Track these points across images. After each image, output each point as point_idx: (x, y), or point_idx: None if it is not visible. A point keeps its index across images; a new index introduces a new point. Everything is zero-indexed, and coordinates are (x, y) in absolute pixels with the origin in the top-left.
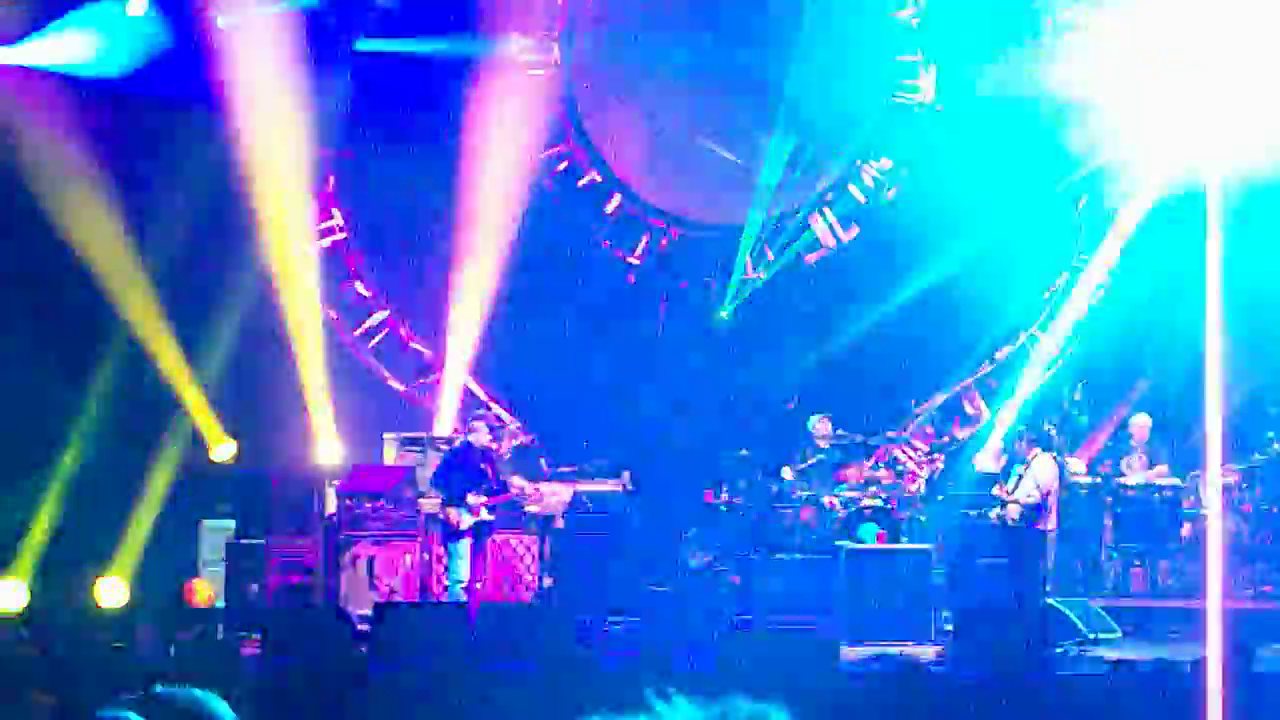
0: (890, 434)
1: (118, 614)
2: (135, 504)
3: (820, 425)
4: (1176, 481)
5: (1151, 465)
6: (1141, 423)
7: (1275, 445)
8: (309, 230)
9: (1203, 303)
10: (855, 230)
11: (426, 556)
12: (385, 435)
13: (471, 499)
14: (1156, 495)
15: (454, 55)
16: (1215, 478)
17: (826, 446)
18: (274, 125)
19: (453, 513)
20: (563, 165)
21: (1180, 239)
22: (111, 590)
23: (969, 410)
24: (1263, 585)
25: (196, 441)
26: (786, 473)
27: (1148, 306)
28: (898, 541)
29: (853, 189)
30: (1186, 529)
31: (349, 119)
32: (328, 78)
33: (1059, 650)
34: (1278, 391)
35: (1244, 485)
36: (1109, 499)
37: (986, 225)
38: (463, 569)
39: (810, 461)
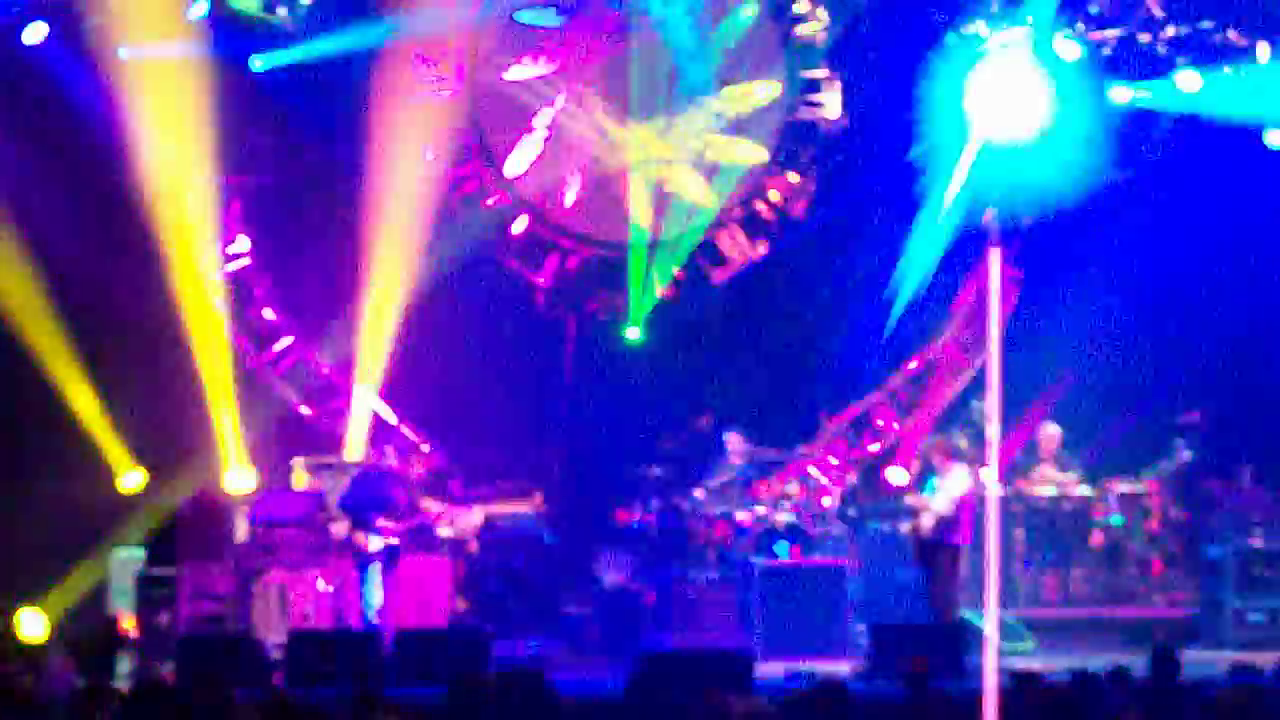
0: (803, 449)
1: (35, 647)
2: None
3: (734, 442)
4: (1086, 491)
5: (1062, 470)
6: (1051, 433)
7: (1183, 453)
8: (215, 256)
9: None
10: (764, 245)
11: (339, 582)
12: (294, 460)
13: (381, 523)
14: (1067, 505)
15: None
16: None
17: (740, 463)
18: (178, 153)
19: (362, 538)
20: (469, 186)
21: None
22: (31, 623)
23: (880, 424)
24: (1173, 593)
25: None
26: (699, 491)
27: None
28: (811, 557)
29: (760, 204)
30: (1097, 537)
31: (253, 144)
32: (231, 103)
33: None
34: (1186, 398)
35: (1152, 494)
36: (1020, 509)
37: (895, 238)
38: (375, 594)
39: (723, 479)
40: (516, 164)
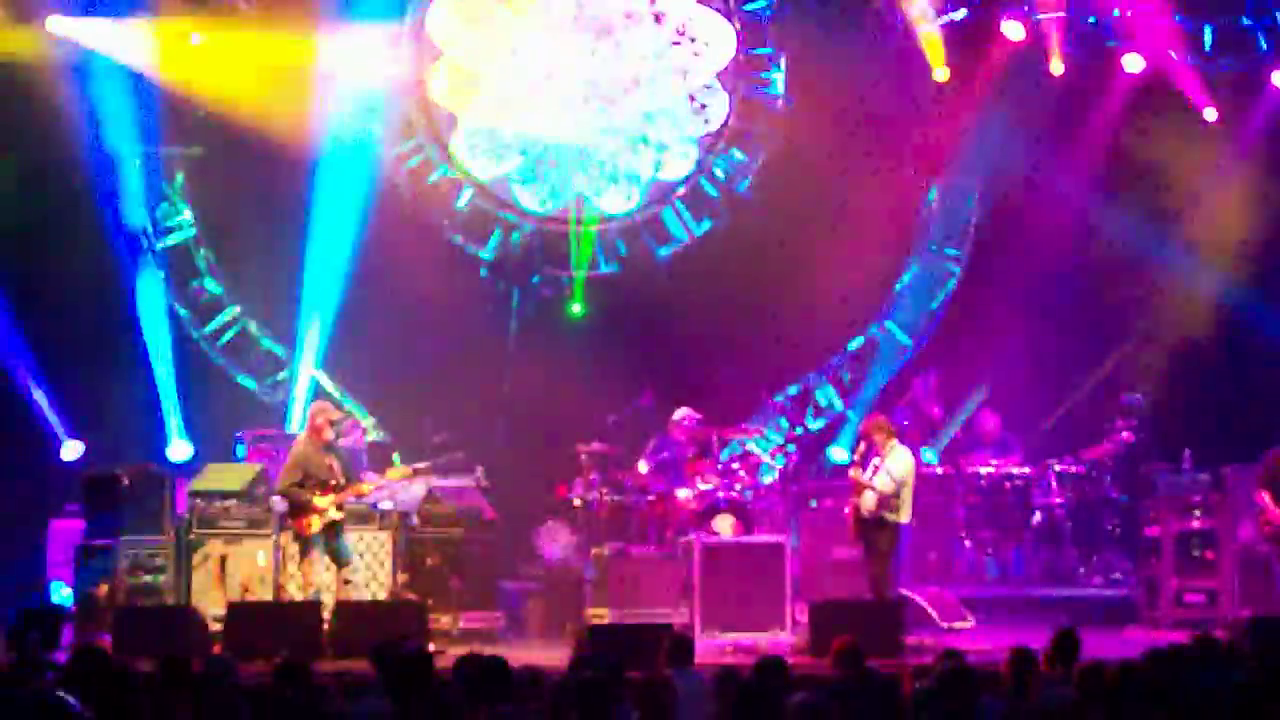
0: (745, 426)
1: None
2: None
3: (682, 417)
4: (1026, 471)
5: (1002, 455)
6: (993, 420)
7: (1123, 434)
8: (158, 228)
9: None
10: (709, 222)
11: (279, 555)
12: (237, 433)
13: (318, 498)
14: (1007, 484)
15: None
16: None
17: (682, 439)
18: (124, 123)
19: (299, 515)
20: (414, 161)
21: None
22: None
23: (823, 402)
24: (1112, 573)
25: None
26: (641, 466)
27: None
28: (752, 533)
29: (706, 181)
30: (1037, 517)
31: (198, 116)
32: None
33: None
34: (1126, 382)
35: (1093, 474)
36: (961, 489)
37: (838, 218)
38: (316, 567)
39: (664, 454)
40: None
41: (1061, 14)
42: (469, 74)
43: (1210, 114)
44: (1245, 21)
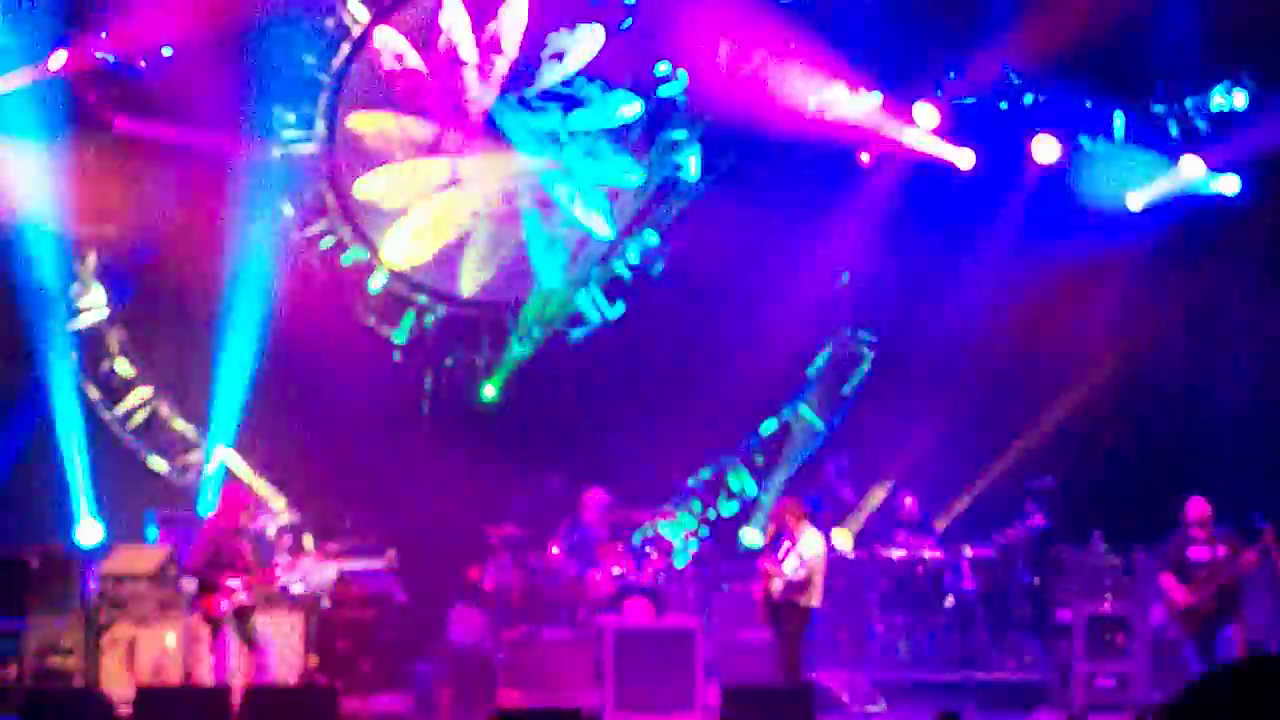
0: (657, 509)
1: None
2: None
3: (595, 499)
4: (938, 555)
5: (920, 536)
6: (906, 498)
7: (1034, 517)
8: (70, 308)
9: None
10: (621, 304)
11: (189, 638)
12: (147, 515)
13: (228, 581)
14: (919, 568)
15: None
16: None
17: (594, 522)
18: (33, 202)
19: (209, 597)
20: (326, 242)
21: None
22: None
23: (735, 485)
24: (1024, 657)
25: None
26: (554, 549)
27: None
28: (664, 617)
29: (619, 265)
30: (949, 601)
31: (111, 196)
32: (92, 153)
33: None
34: (1036, 466)
35: (1005, 557)
36: (873, 572)
37: (751, 301)
38: (226, 651)
39: (575, 537)
40: (395, 248)
41: (972, 99)
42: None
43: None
44: (1157, 109)
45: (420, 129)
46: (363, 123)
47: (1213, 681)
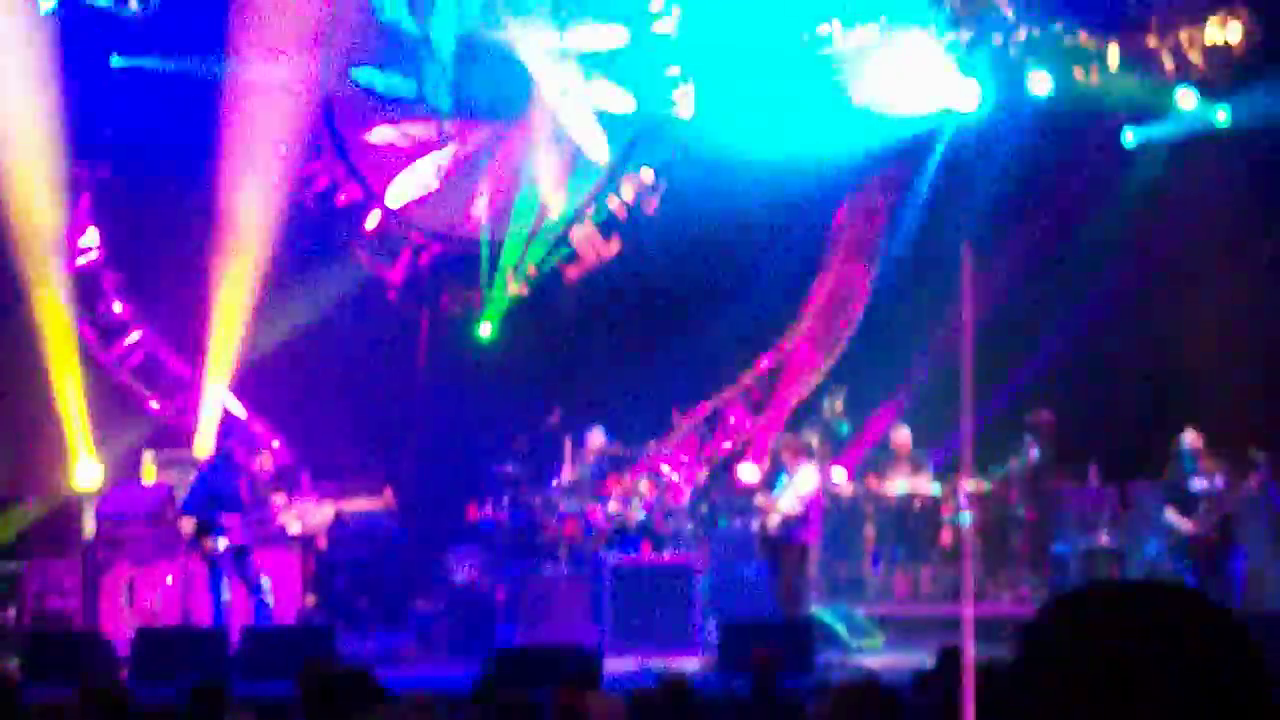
0: (654, 446)
1: None
2: None
3: (594, 437)
4: (935, 490)
5: (915, 470)
6: (903, 433)
7: (1032, 451)
8: (63, 249)
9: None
10: (616, 242)
11: (187, 578)
12: (144, 455)
13: (226, 520)
14: (916, 504)
15: (209, 73)
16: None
17: (592, 460)
18: (26, 141)
19: (207, 537)
20: (321, 182)
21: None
22: None
23: (732, 421)
24: (1020, 589)
25: None
26: (552, 487)
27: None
28: (662, 554)
29: (613, 201)
30: (946, 536)
31: (105, 136)
32: (81, 93)
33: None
34: (1032, 399)
35: (1001, 492)
36: (870, 508)
37: (747, 236)
38: (224, 590)
39: (574, 475)
40: (399, 197)
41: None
42: None
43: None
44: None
45: (421, 129)
46: (368, 77)
47: (1068, 600)
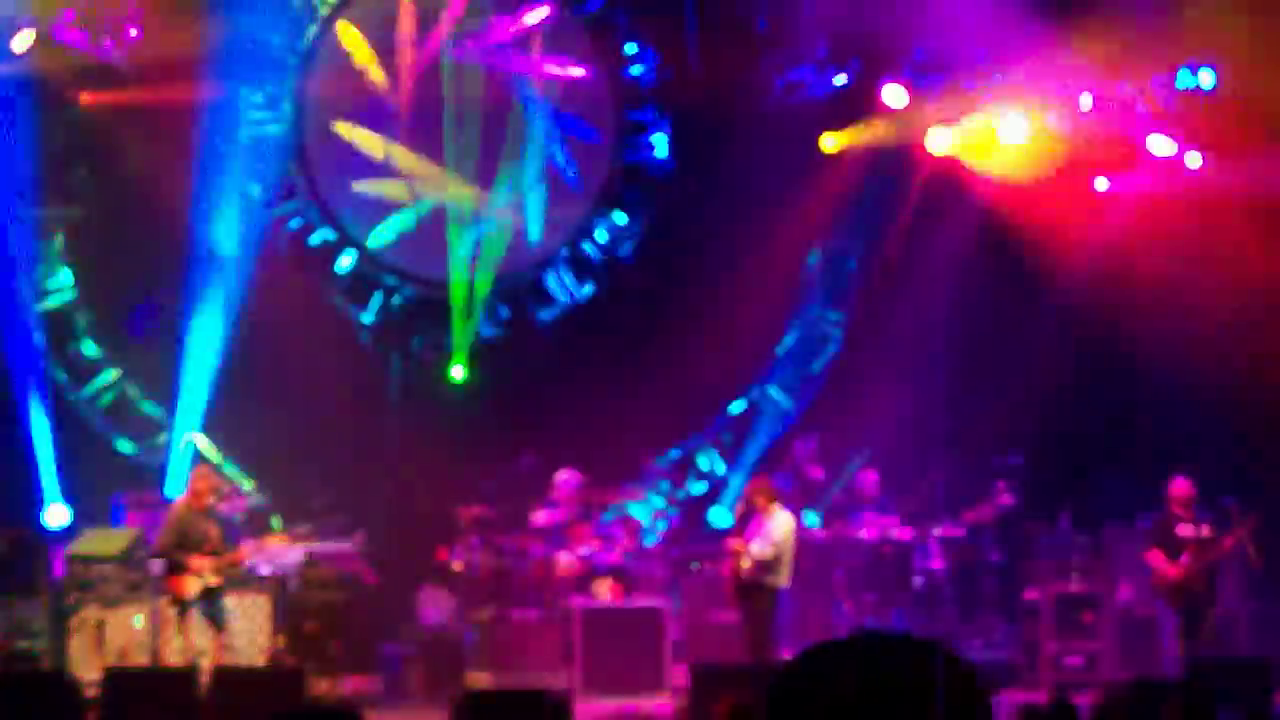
0: (626, 489)
1: None
2: None
3: (565, 480)
4: (906, 534)
5: (881, 514)
6: (872, 478)
7: (1002, 496)
8: (36, 290)
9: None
10: (590, 286)
11: (158, 620)
12: (115, 497)
13: (196, 563)
14: (887, 548)
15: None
16: None
17: (564, 502)
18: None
19: (177, 579)
20: (294, 223)
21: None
22: None
23: (704, 465)
24: (992, 636)
25: None
26: (522, 529)
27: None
28: (633, 597)
29: (588, 245)
30: (918, 580)
31: (78, 176)
32: (53, 133)
33: None
34: (1002, 442)
35: (973, 537)
36: (841, 552)
37: (719, 281)
38: (193, 633)
39: (547, 518)
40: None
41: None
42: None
43: (1101, 183)
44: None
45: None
46: (346, 132)
47: (818, 651)
